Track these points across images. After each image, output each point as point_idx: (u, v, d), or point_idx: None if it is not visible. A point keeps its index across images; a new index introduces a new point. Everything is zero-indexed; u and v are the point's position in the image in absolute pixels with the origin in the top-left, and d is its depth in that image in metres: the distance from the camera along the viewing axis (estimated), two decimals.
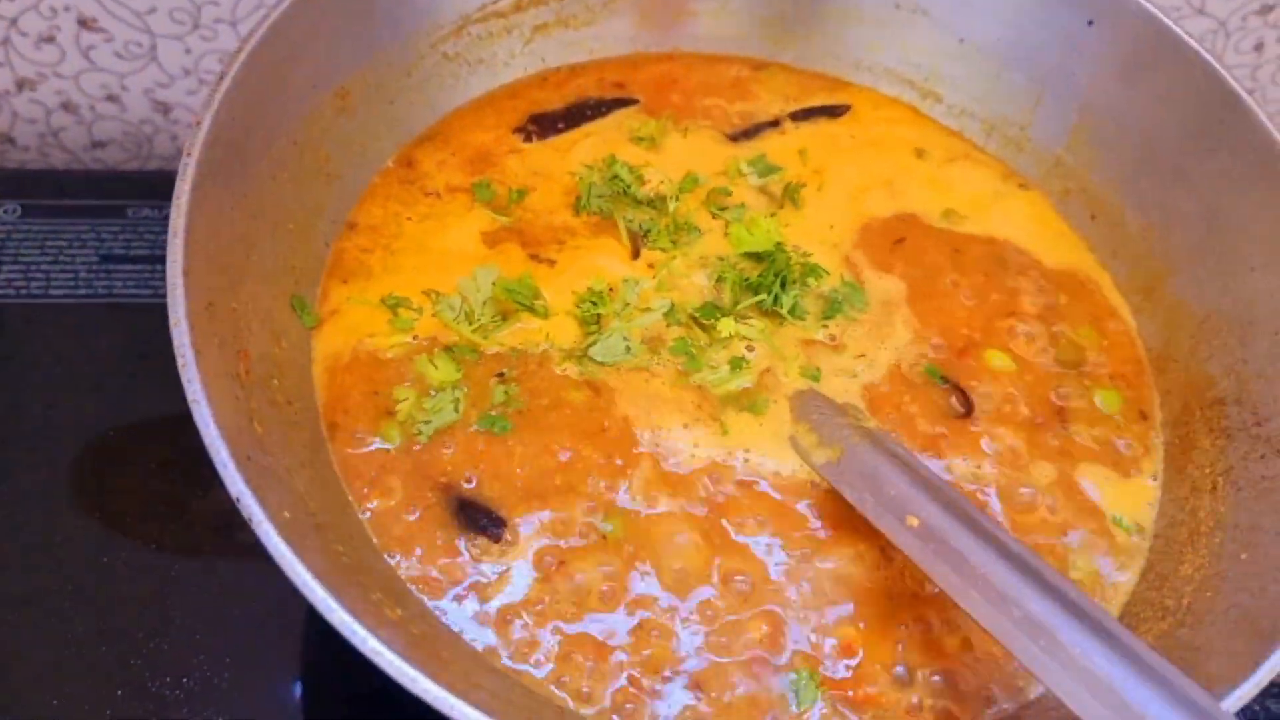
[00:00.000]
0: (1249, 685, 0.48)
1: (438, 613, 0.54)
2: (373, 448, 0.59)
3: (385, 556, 0.56)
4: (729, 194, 0.72)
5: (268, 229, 0.61)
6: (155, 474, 0.74)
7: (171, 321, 0.50)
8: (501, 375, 0.61)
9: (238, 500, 0.47)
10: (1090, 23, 0.71)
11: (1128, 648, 0.47)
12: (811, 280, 0.66)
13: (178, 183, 0.54)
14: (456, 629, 0.54)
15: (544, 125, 0.75)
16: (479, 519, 0.57)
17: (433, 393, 0.60)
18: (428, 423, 0.59)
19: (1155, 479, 0.63)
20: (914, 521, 0.54)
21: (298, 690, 0.67)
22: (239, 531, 0.72)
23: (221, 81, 0.57)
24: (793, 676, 0.55)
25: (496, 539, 0.57)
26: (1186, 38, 0.67)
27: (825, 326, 0.66)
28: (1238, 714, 0.48)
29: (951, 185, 0.75)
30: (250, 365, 0.56)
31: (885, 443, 0.59)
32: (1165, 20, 0.67)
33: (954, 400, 0.65)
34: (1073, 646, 0.47)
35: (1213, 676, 0.49)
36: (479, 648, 0.54)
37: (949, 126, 0.79)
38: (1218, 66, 0.65)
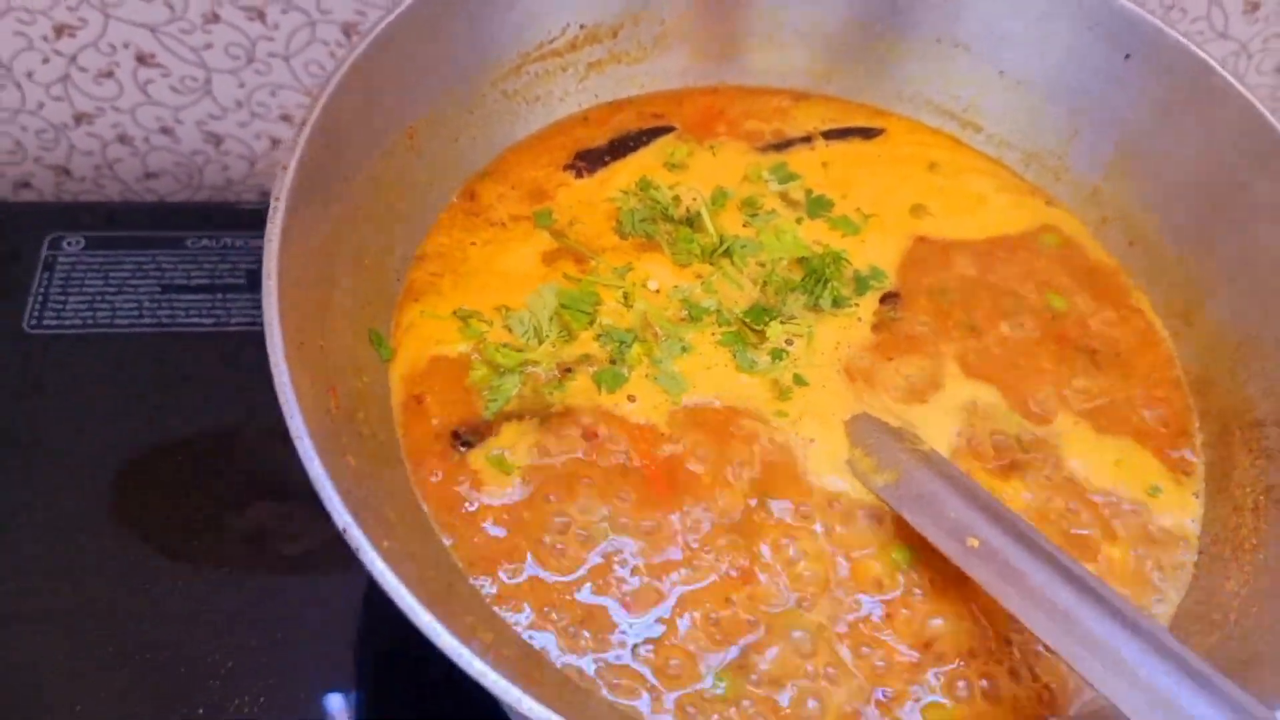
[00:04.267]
0: None
1: (526, 636, 0.57)
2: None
3: (470, 580, 0.58)
4: (757, 203, 0.75)
5: (347, 267, 0.64)
6: (193, 491, 0.76)
7: (272, 363, 0.53)
8: (569, 371, 0.65)
9: (344, 530, 0.49)
10: (1127, 57, 0.73)
11: (1184, 661, 0.50)
12: (841, 266, 0.70)
13: (268, 226, 0.56)
14: (542, 649, 0.57)
15: (591, 160, 0.78)
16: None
17: (501, 373, 0.64)
18: (494, 400, 0.63)
19: (1198, 496, 0.66)
20: (975, 543, 0.57)
21: (336, 704, 0.69)
22: (274, 546, 0.76)
23: (304, 125, 0.59)
24: None
25: None
26: (1221, 70, 0.69)
27: (856, 306, 0.69)
28: None
29: (968, 197, 0.78)
30: (339, 401, 0.58)
31: (941, 465, 0.62)
32: (1201, 54, 0.69)
33: None
34: (1133, 662, 0.50)
35: (1265, 688, 0.52)
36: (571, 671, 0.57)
37: (988, 155, 0.81)
38: (1256, 103, 0.67)
